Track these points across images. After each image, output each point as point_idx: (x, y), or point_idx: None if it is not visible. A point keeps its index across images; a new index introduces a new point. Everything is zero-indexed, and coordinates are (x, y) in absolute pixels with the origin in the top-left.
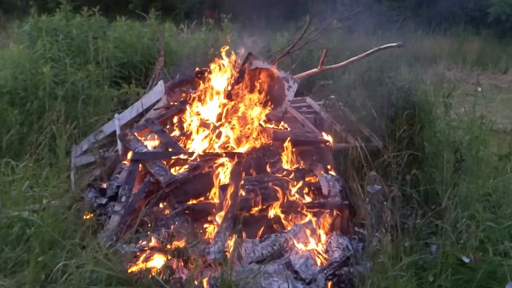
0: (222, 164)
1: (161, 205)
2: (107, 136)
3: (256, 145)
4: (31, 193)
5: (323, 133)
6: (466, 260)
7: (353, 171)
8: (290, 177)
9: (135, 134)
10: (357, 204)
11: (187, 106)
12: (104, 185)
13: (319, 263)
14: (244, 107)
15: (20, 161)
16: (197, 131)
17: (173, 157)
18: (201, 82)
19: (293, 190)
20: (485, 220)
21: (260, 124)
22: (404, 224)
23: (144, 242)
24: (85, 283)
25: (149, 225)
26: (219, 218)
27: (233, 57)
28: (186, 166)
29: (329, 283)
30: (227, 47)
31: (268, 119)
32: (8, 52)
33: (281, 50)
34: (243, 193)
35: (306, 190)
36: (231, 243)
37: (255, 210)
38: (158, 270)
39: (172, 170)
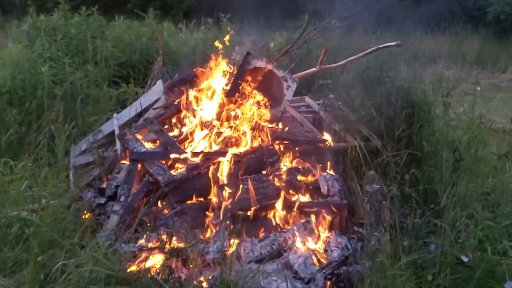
0: (221, 164)
1: (160, 205)
2: (106, 136)
3: (255, 144)
4: (30, 193)
5: (322, 133)
6: (465, 259)
7: (352, 170)
8: (289, 176)
9: (134, 133)
10: (356, 203)
11: (186, 106)
12: (103, 185)
13: (318, 262)
14: (243, 107)
15: (19, 161)
16: (196, 131)
17: (171, 157)
18: (199, 81)
19: (292, 189)
20: (484, 219)
21: (259, 124)
22: (403, 223)
23: (143, 242)
24: (84, 282)
25: (148, 224)
26: (218, 217)
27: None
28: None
29: (328, 283)
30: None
31: (267, 119)
32: (7, 51)
33: (280, 49)
34: (242, 193)
35: (305, 189)
36: (230, 242)
37: (254, 209)
38: (157, 270)
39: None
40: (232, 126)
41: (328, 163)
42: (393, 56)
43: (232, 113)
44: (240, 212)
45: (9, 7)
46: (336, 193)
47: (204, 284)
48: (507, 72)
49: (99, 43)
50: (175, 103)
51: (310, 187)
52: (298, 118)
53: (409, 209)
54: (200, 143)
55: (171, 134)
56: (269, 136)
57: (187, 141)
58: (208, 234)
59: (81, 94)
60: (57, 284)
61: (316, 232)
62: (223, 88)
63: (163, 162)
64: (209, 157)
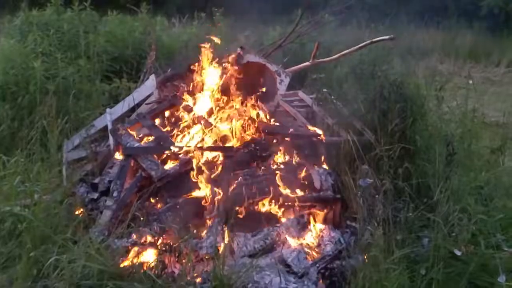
0: (214, 158)
1: (152, 200)
2: (99, 131)
3: (248, 139)
4: (22, 188)
5: (315, 127)
6: (458, 253)
7: (345, 164)
8: (282, 171)
9: (127, 128)
10: (349, 197)
11: (179, 101)
12: (96, 180)
13: (311, 257)
14: (236, 102)
15: (12, 156)
16: (189, 126)
17: (164, 152)
18: (192, 76)
19: (285, 184)
20: (477, 213)
21: (252, 118)
22: (396, 217)
23: (136, 237)
24: (77, 278)
25: (141, 219)
26: (211, 212)
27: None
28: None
29: (321, 277)
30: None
31: (260, 113)
32: None
33: (273, 43)
34: (235, 187)
35: (298, 184)
36: (223, 237)
37: (247, 204)
38: (150, 265)
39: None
40: (225, 121)
41: (321, 157)
42: (386, 50)
43: (225, 108)
44: (233, 207)
45: (1, 2)
46: (329, 188)
47: (197, 279)
48: (500, 66)
49: (91, 38)
50: (168, 98)
51: (303, 182)
52: (291, 113)
53: (402, 203)
54: (194, 138)
55: (164, 129)
56: (262, 131)
57: (181, 136)
58: (201, 229)
59: (73, 89)
60: (50, 279)
61: (309, 226)
62: (216, 83)
63: (156, 157)
64: (202, 152)
